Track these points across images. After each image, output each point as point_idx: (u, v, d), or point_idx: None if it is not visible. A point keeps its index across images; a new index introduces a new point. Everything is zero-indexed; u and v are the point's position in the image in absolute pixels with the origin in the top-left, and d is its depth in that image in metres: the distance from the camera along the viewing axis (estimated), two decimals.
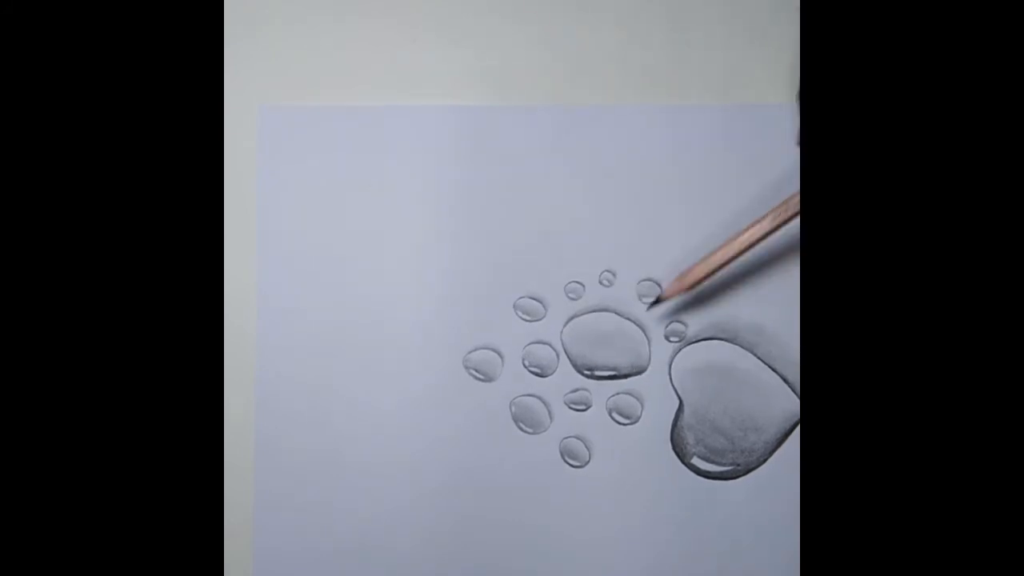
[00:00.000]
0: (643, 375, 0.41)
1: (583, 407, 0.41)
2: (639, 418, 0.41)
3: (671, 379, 0.41)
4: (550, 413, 0.41)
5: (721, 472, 0.41)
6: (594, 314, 0.41)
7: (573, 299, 0.41)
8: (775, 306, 0.41)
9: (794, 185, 0.41)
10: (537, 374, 0.41)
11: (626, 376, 0.41)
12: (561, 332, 0.41)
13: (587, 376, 0.41)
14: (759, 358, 0.41)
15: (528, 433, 0.41)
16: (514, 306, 0.41)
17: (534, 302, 0.41)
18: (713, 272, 0.39)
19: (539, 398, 0.41)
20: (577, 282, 0.41)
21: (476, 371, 0.41)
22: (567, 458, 0.41)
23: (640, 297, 0.41)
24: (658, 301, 0.40)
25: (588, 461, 0.41)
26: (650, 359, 0.41)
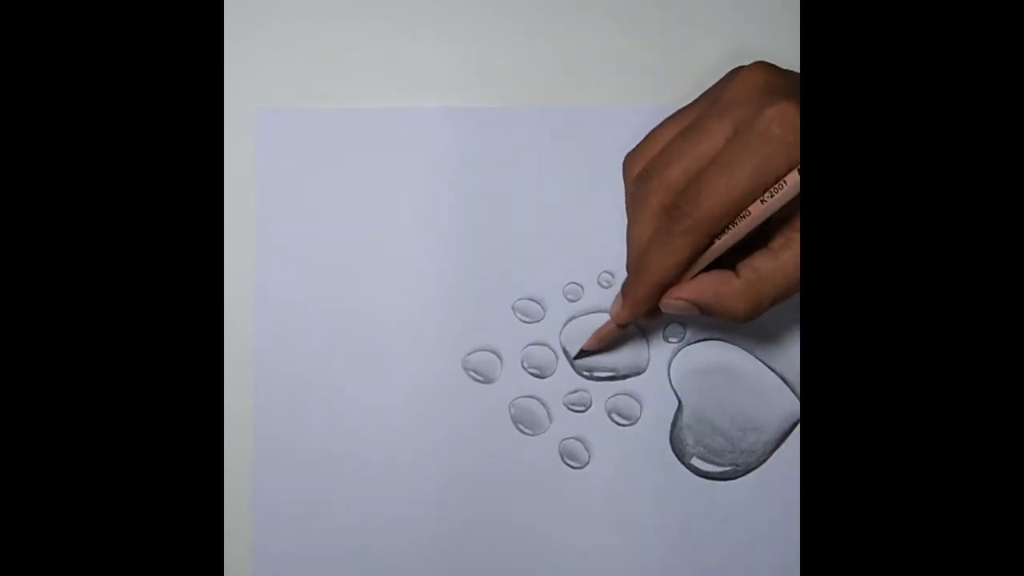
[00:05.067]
0: (642, 376, 0.41)
1: (582, 408, 0.41)
2: (638, 419, 0.41)
3: (670, 380, 0.41)
4: (549, 414, 0.41)
5: (721, 472, 0.41)
6: (593, 315, 0.41)
7: (572, 300, 0.41)
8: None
9: None
10: (536, 375, 0.41)
11: (625, 377, 0.41)
12: (560, 333, 0.41)
13: (586, 377, 0.41)
14: (758, 358, 0.41)
15: (527, 435, 0.41)
16: (513, 308, 0.41)
17: (533, 303, 0.41)
18: (605, 342, 0.40)
19: (538, 399, 0.41)
20: (576, 283, 0.41)
21: (475, 373, 0.41)
22: (567, 459, 0.41)
23: None
24: (582, 354, 0.40)
25: (588, 462, 0.41)
26: (649, 360, 0.41)
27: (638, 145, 0.35)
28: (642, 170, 0.34)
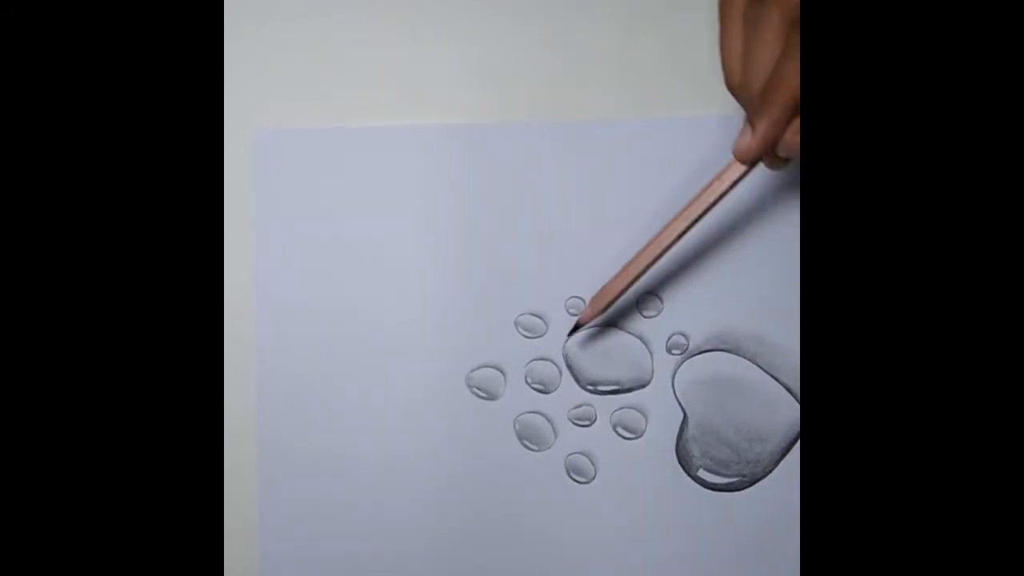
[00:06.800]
0: (646, 388, 0.41)
1: (587, 422, 0.41)
2: (644, 432, 0.41)
3: (674, 392, 0.41)
4: (554, 430, 0.41)
5: (727, 484, 0.40)
6: (595, 329, 0.41)
7: (574, 314, 0.41)
8: (776, 316, 0.41)
9: (794, 194, 0.41)
10: (540, 391, 0.41)
11: (629, 390, 0.41)
12: (563, 348, 0.41)
13: (590, 391, 0.41)
14: (761, 368, 0.41)
15: (533, 450, 0.41)
16: (515, 323, 0.41)
17: (535, 318, 0.41)
18: (627, 287, 0.38)
19: (543, 415, 0.41)
20: (577, 297, 0.41)
21: (479, 389, 0.41)
22: (573, 474, 0.41)
23: (641, 311, 0.41)
24: (577, 328, 0.40)
25: (594, 477, 0.41)
26: (653, 372, 0.41)
27: None
28: None
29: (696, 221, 0.36)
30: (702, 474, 0.40)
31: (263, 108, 0.42)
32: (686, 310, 0.41)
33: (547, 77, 0.42)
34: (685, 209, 0.36)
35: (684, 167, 0.41)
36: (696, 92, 0.42)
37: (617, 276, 0.38)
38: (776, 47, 0.32)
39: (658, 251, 0.37)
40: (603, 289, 0.39)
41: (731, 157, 0.35)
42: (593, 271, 0.41)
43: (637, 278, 0.38)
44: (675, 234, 0.37)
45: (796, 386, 0.41)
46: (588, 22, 0.42)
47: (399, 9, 0.42)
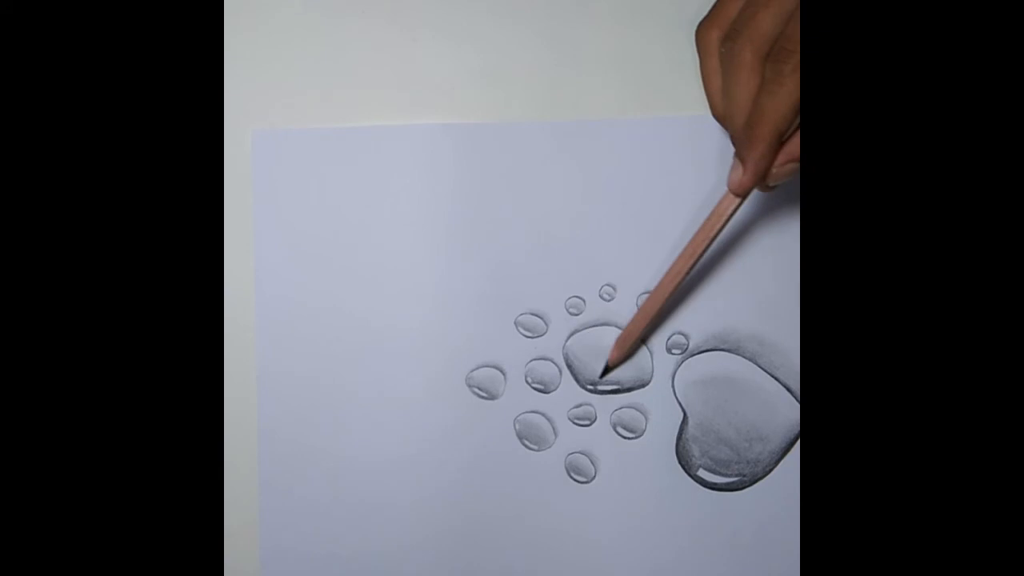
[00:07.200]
0: (646, 388, 0.41)
1: (587, 422, 0.41)
2: (644, 432, 0.41)
3: (674, 392, 0.41)
4: (554, 429, 0.41)
5: (727, 483, 0.40)
6: (596, 328, 0.41)
7: (574, 314, 0.41)
8: (776, 316, 0.41)
9: (794, 194, 0.41)
10: (540, 390, 0.41)
11: (629, 390, 0.41)
12: (563, 347, 0.41)
13: (590, 391, 0.41)
14: (762, 368, 0.41)
15: (533, 450, 0.41)
16: (515, 323, 0.41)
17: (535, 318, 0.41)
18: (645, 326, 0.39)
19: (543, 415, 0.41)
20: (578, 297, 0.41)
21: (479, 389, 0.41)
22: (573, 474, 0.41)
23: None
24: (608, 370, 0.41)
25: (594, 476, 0.41)
26: (653, 372, 0.41)
27: (708, 14, 0.35)
28: (728, 31, 0.34)
29: (700, 256, 0.37)
30: (702, 474, 0.40)
31: (263, 108, 0.42)
32: (686, 310, 0.41)
33: (547, 77, 0.42)
34: (688, 247, 0.37)
35: (684, 167, 0.41)
36: (696, 92, 0.42)
37: (634, 318, 0.39)
38: (752, 84, 0.33)
39: (669, 289, 0.38)
40: (624, 332, 0.40)
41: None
42: (593, 271, 0.41)
43: (654, 316, 0.39)
44: (683, 271, 0.38)
45: (796, 386, 0.41)
46: (588, 22, 0.42)
47: (399, 9, 0.42)
